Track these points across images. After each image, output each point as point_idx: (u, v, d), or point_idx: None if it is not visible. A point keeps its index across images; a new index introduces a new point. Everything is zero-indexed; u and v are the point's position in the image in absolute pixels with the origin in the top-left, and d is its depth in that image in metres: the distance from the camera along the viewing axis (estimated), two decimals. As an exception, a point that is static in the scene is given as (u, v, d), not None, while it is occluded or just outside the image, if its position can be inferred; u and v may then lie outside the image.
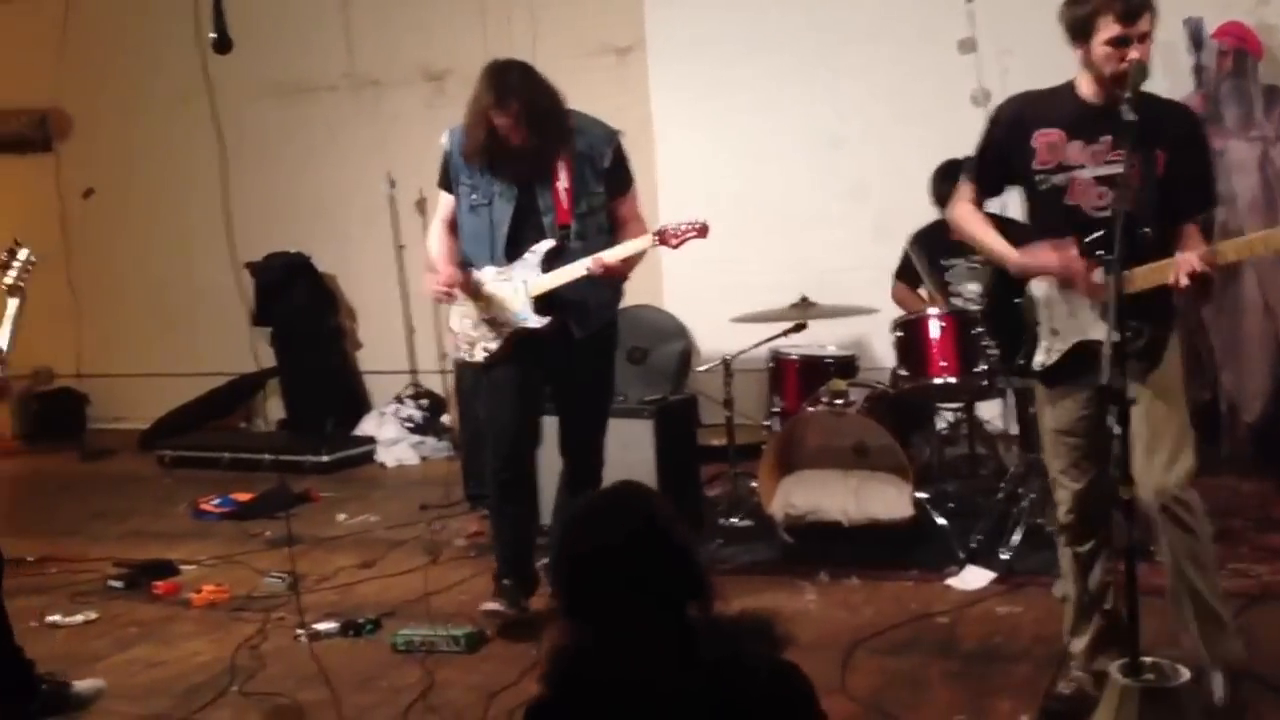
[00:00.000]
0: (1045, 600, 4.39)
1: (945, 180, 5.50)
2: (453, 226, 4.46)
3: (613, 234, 4.35)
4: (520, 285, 4.29)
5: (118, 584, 5.26)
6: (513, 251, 4.30)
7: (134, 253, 8.90)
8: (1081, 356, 3.27)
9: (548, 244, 4.26)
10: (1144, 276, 3.14)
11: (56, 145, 9.18)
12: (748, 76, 7.06)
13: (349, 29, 8.14)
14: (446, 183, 4.43)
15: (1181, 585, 3.32)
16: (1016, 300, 3.44)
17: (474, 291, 4.36)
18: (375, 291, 8.11)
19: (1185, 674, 2.89)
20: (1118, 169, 3.19)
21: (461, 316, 4.46)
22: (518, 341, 4.34)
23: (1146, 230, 3.18)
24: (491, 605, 4.39)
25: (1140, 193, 3.20)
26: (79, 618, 4.92)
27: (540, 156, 4.21)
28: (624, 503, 2.04)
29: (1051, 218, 3.35)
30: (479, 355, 4.41)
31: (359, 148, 8.06)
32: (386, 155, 7.73)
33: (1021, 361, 3.45)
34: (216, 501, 6.49)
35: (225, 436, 8.22)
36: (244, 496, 6.52)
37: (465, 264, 4.39)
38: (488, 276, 4.36)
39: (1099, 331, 3.11)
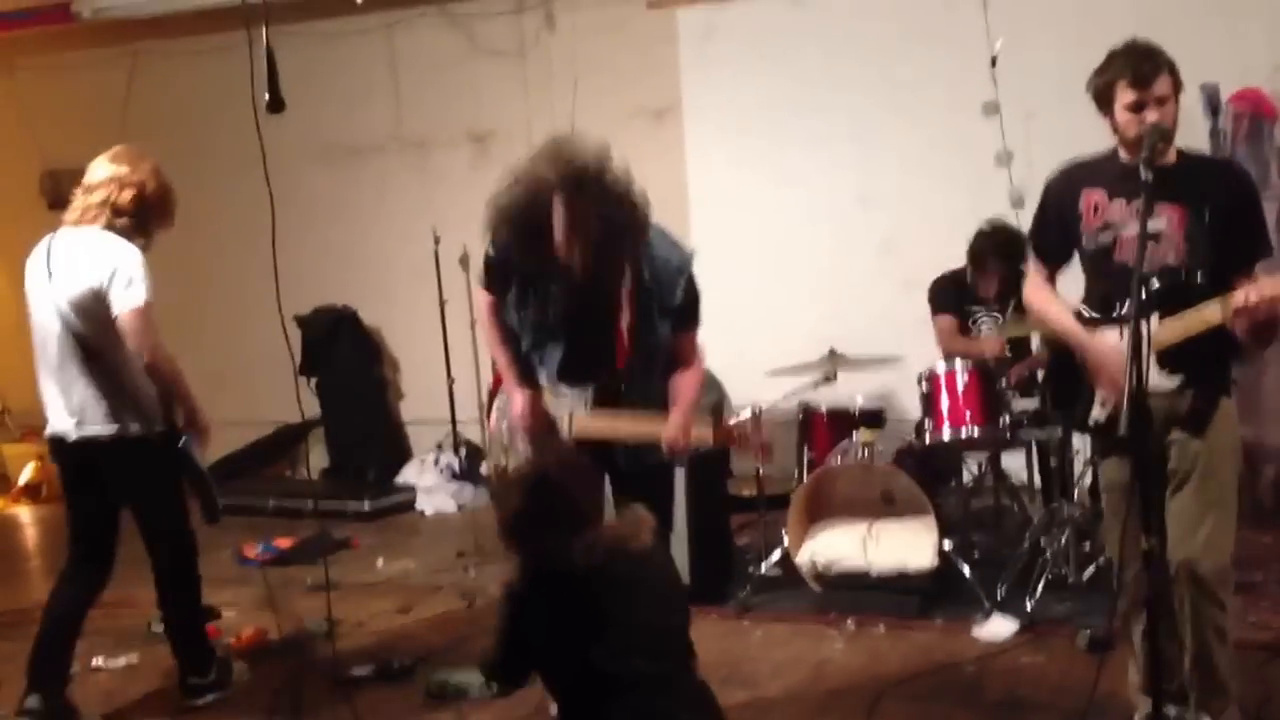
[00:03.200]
0: (1069, 651, 4.34)
1: (972, 247, 5.50)
2: (498, 311, 3.72)
3: (666, 367, 3.67)
4: (566, 414, 3.65)
5: (160, 628, 5.24)
6: (565, 373, 3.64)
7: (187, 306, 8.94)
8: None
9: (602, 381, 3.60)
10: (1182, 324, 3.10)
11: (117, 203, 9.27)
12: (780, 137, 7.09)
13: (397, 93, 8.24)
14: (488, 284, 3.70)
15: (1199, 651, 3.28)
16: (1074, 359, 3.40)
17: None
18: (418, 344, 8.12)
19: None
20: (1161, 225, 3.21)
21: (501, 416, 3.91)
22: None
23: (1199, 276, 3.19)
24: None
25: (1184, 244, 3.21)
26: (122, 661, 4.91)
27: (599, 292, 3.45)
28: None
29: (1102, 276, 3.34)
30: (510, 466, 3.84)
31: (405, 206, 8.13)
32: (432, 213, 7.77)
33: (1080, 416, 3.43)
34: (259, 548, 6.48)
35: (270, 484, 8.23)
36: (286, 543, 6.52)
37: (525, 359, 3.72)
38: (542, 383, 3.71)
39: (1153, 380, 3.05)
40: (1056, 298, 3.50)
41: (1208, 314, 3.10)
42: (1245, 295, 3.03)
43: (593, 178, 3.25)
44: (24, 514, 8.33)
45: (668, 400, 3.63)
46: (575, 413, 3.63)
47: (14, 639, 5.17)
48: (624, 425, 3.58)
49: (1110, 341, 3.27)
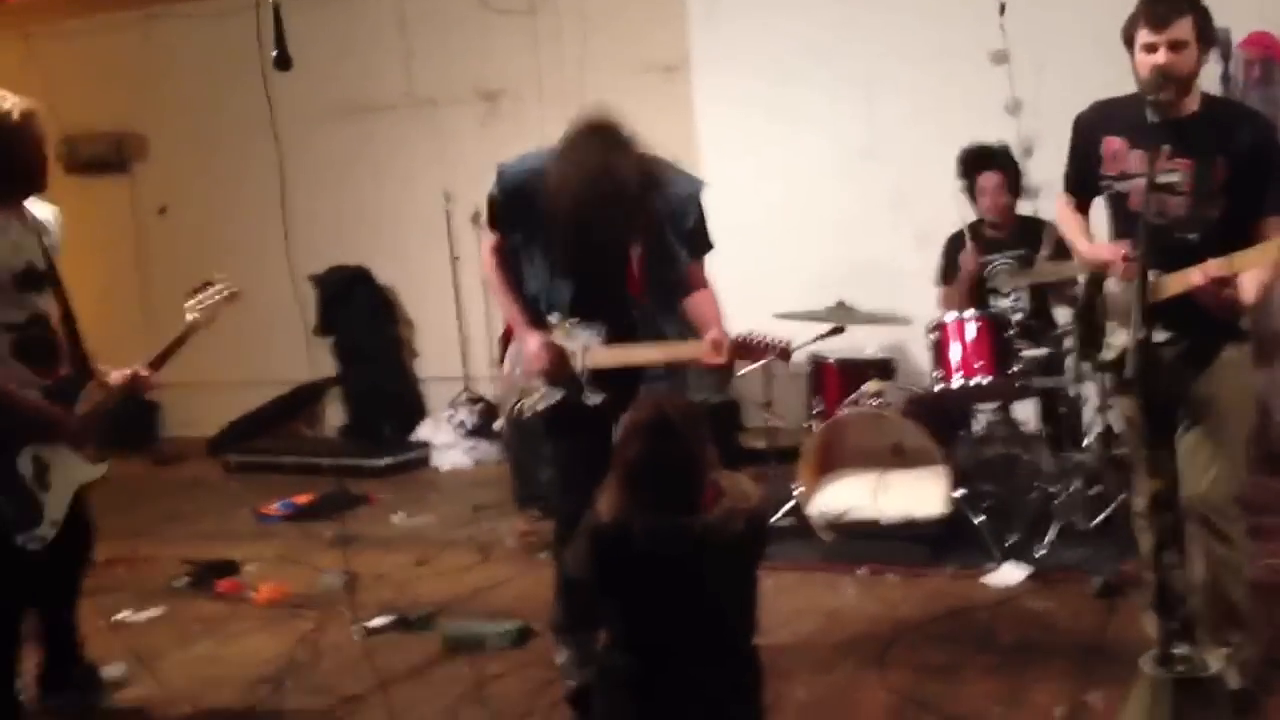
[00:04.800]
0: (1080, 596, 4.34)
1: (965, 165, 5.50)
2: (504, 255, 3.76)
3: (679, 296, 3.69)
4: (580, 350, 3.64)
5: (183, 583, 5.29)
6: (576, 308, 3.66)
7: (204, 268, 8.91)
8: None
9: (617, 312, 3.63)
10: (1175, 282, 3.06)
11: (132, 166, 9.28)
12: (789, 91, 7.01)
13: (408, 52, 8.18)
14: (494, 223, 3.73)
15: (1211, 586, 3.27)
16: (1097, 300, 3.41)
17: None
18: (432, 302, 8.12)
19: (1216, 665, 2.80)
20: (1176, 177, 3.16)
21: (514, 363, 3.86)
22: (572, 406, 3.72)
23: (1191, 236, 3.14)
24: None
25: (1195, 199, 3.16)
26: (146, 615, 4.94)
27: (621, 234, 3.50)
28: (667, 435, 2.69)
29: (1119, 223, 3.32)
30: (526, 411, 3.81)
31: (417, 165, 8.09)
32: (443, 171, 7.74)
33: (1094, 355, 3.43)
34: (278, 504, 6.51)
35: (288, 442, 8.26)
36: (304, 499, 6.55)
37: (533, 304, 3.74)
38: (552, 322, 3.71)
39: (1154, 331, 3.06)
40: (1078, 218, 3.49)
41: (1187, 277, 3.04)
42: (1199, 276, 2.99)
43: (626, 187, 3.31)
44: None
45: (681, 328, 3.64)
46: (590, 347, 3.64)
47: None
48: (641, 354, 3.60)
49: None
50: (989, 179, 5.44)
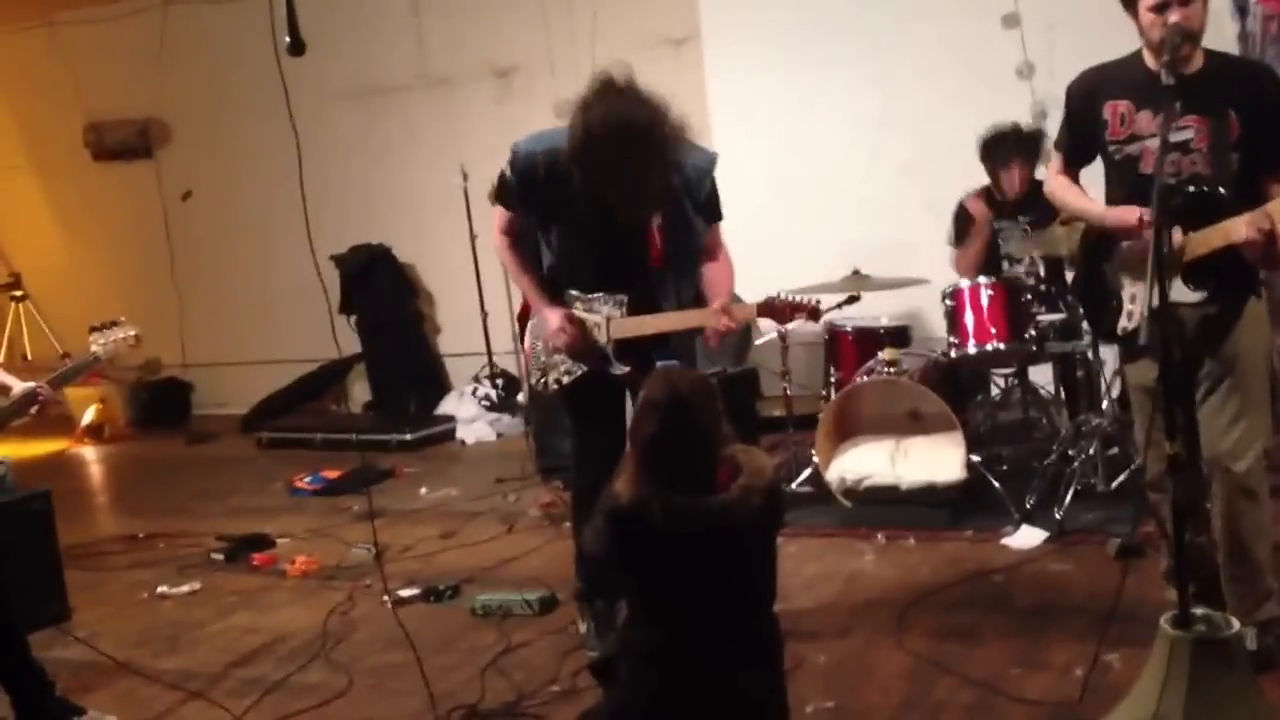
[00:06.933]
0: (1098, 558, 4.31)
1: (990, 145, 5.40)
2: (515, 234, 3.74)
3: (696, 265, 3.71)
4: (602, 321, 3.66)
5: (219, 557, 5.33)
6: (598, 280, 3.68)
7: (230, 250, 9.02)
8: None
9: (639, 282, 3.63)
10: (1206, 238, 3.02)
11: (157, 152, 9.30)
12: (799, 61, 6.94)
13: (420, 32, 8.15)
14: (507, 201, 3.70)
15: (1234, 547, 3.23)
16: (1103, 267, 3.35)
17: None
18: (452, 278, 8.10)
19: (1235, 625, 2.77)
20: (1188, 135, 3.11)
21: (535, 338, 3.87)
22: (595, 379, 3.74)
23: (1221, 190, 3.09)
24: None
25: (1211, 155, 3.12)
26: (184, 588, 4.98)
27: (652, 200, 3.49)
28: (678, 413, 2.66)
29: (1128, 186, 3.25)
30: (551, 385, 3.82)
31: (433, 143, 8.07)
32: (459, 149, 7.70)
33: (1109, 326, 3.37)
34: (309, 479, 6.53)
35: (317, 419, 8.30)
36: (333, 474, 6.57)
37: (551, 280, 3.74)
38: (573, 295, 3.72)
39: (1177, 293, 3.03)
40: (1076, 188, 3.45)
41: (1232, 230, 3.00)
42: (1250, 229, 2.93)
43: (650, 131, 3.32)
44: (88, 453, 8.45)
45: (699, 297, 3.66)
46: (611, 318, 3.65)
47: (85, 569, 5.29)
48: (661, 321, 3.61)
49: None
50: (1012, 162, 5.35)
